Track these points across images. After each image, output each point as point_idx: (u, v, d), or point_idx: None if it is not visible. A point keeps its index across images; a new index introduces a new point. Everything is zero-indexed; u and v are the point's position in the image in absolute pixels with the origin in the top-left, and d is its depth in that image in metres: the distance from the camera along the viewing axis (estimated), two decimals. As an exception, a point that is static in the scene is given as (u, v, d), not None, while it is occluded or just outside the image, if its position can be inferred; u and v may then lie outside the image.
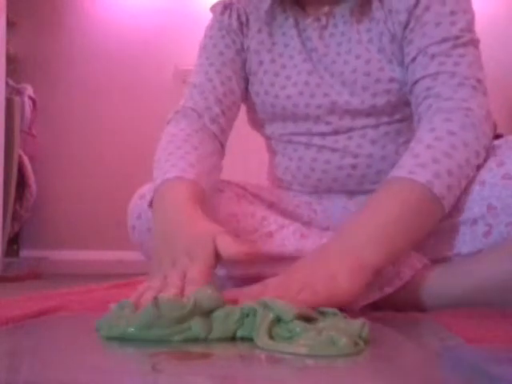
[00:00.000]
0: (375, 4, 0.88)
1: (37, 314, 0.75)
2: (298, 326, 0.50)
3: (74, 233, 3.05)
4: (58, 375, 0.43)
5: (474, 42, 0.84)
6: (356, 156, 0.91)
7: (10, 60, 2.82)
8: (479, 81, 0.82)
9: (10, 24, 2.82)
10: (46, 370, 0.45)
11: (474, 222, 0.79)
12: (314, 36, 0.92)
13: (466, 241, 0.80)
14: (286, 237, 0.82)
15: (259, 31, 0.96)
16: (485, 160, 0.80)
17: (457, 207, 0.80)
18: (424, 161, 0.73)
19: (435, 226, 0.76)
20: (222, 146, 0.94)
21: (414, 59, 0.84)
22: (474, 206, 0.79)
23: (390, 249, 0.70)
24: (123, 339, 0.54)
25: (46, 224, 3.06)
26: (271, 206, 0.93)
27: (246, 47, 0.97)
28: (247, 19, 0.97)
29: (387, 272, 0.77)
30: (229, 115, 0.94)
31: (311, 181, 0.96)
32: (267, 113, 0.96)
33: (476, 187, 0.79)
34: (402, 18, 0.85)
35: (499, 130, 2.70)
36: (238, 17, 0.97)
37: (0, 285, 2.07)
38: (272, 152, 1.02)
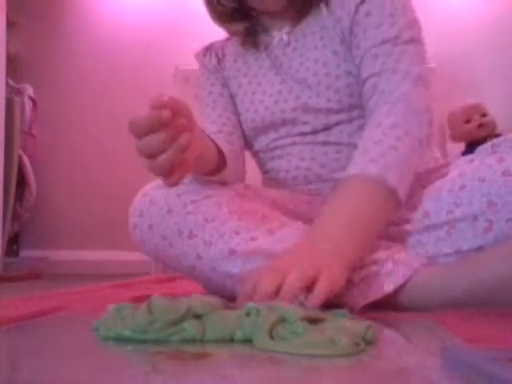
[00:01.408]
0: (324, 14, 0.97)
1: (37, 314, 0.76)
2: (301, 326, 0.50)
3: (74, 233, 3.05)
4: (58, 375, 0.43)
5: (416, 40, 0.90)
6: (338, 144, 0.98)
7: (10, 60, 2.82)
8: (421, 76, 0.87)
9: (10, 24, 2.82)
10: (45, 369, 0.45)
11: (475, 218, 0.80)
12: (280, 54, 1.02)
13: (466, 237, 0.80)
14: (287, 235, 0.82)
15: (235, 61, 1.08)
16: (487, 156, 0.83)
17: (456, 203, 0.81)
18: (374, 157, 0.79)
19: (393, 216, 0.82)
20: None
21: (361, 61, 0.91)
22: (473, 203, 0.79)
23: (358, 245, 0.76)
24: (122, 339, 0.54)
25: (46, 224, 3.06)
26: (273, 204, 0.94)
27: (226, 77, 1.08)
28: (223, 54, 1.10)
29: (386, 272, 0.77)
30: (233, 138, 1.02)
31: (301, 171, 0.99)
32: (249, 129, 1.04)
33: (476, 183, 0.79)
34: (346, 23, 0.93)
35: (499, 130, 2.69)
36: (216, 54, 1.10)
37: (0, 285, 2.07)
38: (262, 163, 1.07)
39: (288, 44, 1.01)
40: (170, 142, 0.64)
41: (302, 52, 0.99)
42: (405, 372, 0.44)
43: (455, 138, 2.60)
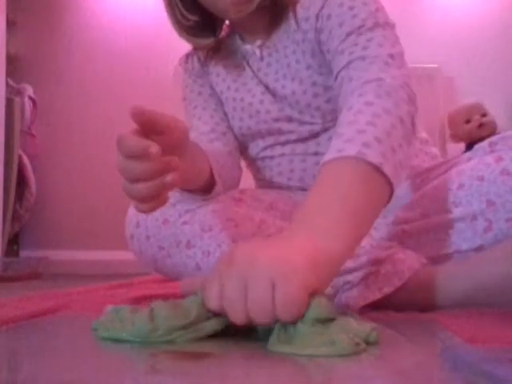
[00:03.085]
0: (293, 27, 0.94)
1: (37, 314, 0.76)
2: (303, 327, 0.50)
3: (74, 233, 3.05)
4: (58, 375, 0.43)
5: (383, 25, 0.84)
6: None
7: (10, 60, 2.82)
8: (392, 56, 0.80)
9: (10, 24, 2.82)
10: (46, 369, 0.45)
11: (474, 217, 0.80)
12: (255, 68, 1.00)
13: (465, 237, 0.80)
14: None
15: (215, 65, 1.05)
16: (483, 154, 0.83)
17: (455, 203, 0.81)
18: (350, 136, 0.67)
19: (384, 199, 0.68)
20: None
21: (333, 60, 0.87)
22: (472, 202, 0.79)
23: (350, 234, 0.60)
24: (122, 339, 0.54)
25: (45, 224, 3.06)
26: (270, 207, 0.93)
27: (211, 82, 1.06)
28: (205, 58, 1.06)
29: (386, 272, 0.77)
30: (228, 137, 1.00)
31: (294, 182, 0.98)
32: (238, 135, 1.03)
33: (474, 183, 0.79)
34: (311, 35, 0.91)
35: (499, 130, 2.70)
36: (198, 59, 1.07)
37: (0, 285, 2.07)
38: (255, 172, 1.06)
39: (261, 59, 0.99)
40: (154, 175, 0.60)
41: (277, 68, 0.97)
42: (405, 372, 0.44)
43: (455, 138, 2.60)
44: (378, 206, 0.67)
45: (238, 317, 0.50)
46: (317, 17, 0.89)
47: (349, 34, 0.84)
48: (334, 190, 0.63)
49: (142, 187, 0.61)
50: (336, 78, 0.84)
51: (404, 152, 0.70)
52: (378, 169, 0.64)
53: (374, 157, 0.64)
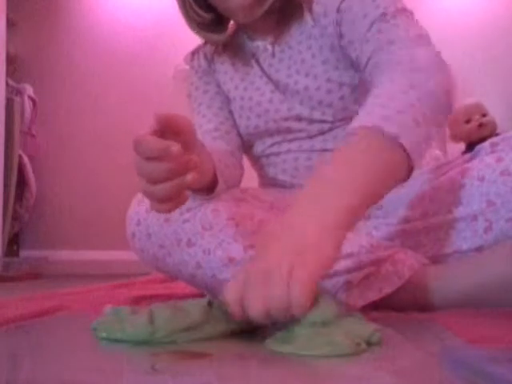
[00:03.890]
0: (310, 23, 0.94)
1: (36, 314, 0.76)
2: (303, 327, 0.50)
3: (74, 233, 3.05)
4: (58, 375, 0.43)
5: (403, 9, 0.85)
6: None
7: (10, 60, 2.83)
8: (420, 36, 0.82)
9: (10, 24, 2.82)
10: (45, 369, 0.45)
11: (474, 218, 0.80)
12: (266, 65, 0.99)
13: (465, 237, 0.81)
14: None
15: (222, 63, 1.04)
16: (484, 155, 0.82)
17: (455, 203, 0.81)
18: (371, 109, 0.70)
19: (400, 172, 0.68)
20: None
21: (359, 51, 0.86)
22: (473, 202, 0.80)
23: (363, 190, 0.64)
24: (122, 339, 0.54)
25: (45, 224, 3.06)
26: (271, 207, 0.93)
27: (217, 80, 1.05)
28: (212, 56, 1.06)
29: (386, 272, 0.77)
30: (231, 136, 1.00)
31: (298, 180, 0.98)
32: (244, 134, 1.02)
33: (475, 183, 0.80)
34: (331, 30, 0.91)
35: (499, 130, 2.69)
36: (205, 56, 1.06)
37: (0, 285, 2.07)
38: (259, 169, 1.06)
39: (273, 55, 0.99)
40: (173, 175, 0.61)
41: (290, 64, 0.96)
42: (405, 372, 0.44)
43: (455, 137, 2.60)
44: (390, 178, 0.67)
45: (258, 316, 0.52)
46: (338, 10, 0.89)
47: (373, 23, 0.84)
48: (345, 161, 0.65)
49: (162, 188, 0.61)
50: (366, 64, 0.84)
51: (432, 122, 0.71)
52: (394, 137, 0.65)
53: (390, 128, 0.65)
